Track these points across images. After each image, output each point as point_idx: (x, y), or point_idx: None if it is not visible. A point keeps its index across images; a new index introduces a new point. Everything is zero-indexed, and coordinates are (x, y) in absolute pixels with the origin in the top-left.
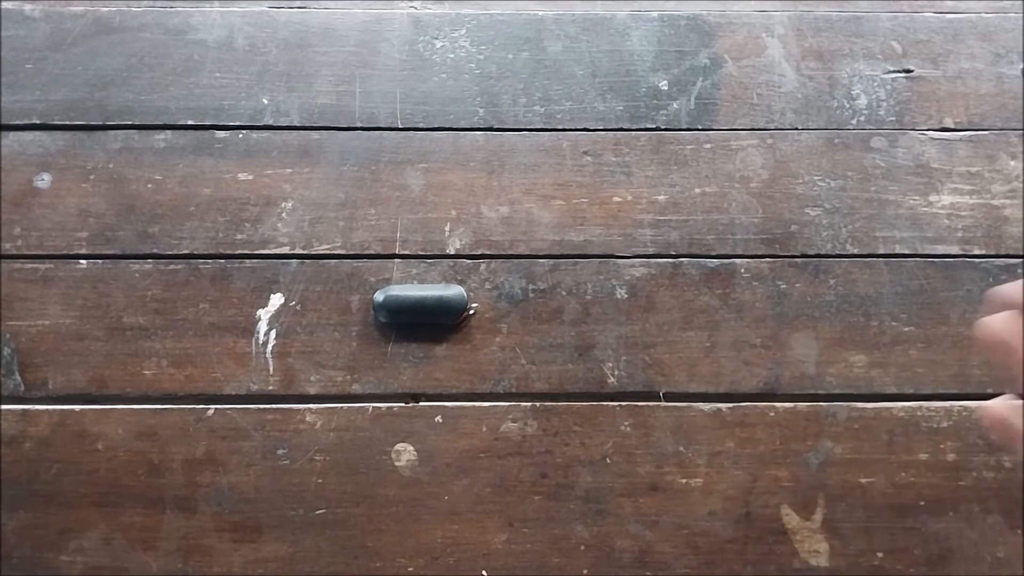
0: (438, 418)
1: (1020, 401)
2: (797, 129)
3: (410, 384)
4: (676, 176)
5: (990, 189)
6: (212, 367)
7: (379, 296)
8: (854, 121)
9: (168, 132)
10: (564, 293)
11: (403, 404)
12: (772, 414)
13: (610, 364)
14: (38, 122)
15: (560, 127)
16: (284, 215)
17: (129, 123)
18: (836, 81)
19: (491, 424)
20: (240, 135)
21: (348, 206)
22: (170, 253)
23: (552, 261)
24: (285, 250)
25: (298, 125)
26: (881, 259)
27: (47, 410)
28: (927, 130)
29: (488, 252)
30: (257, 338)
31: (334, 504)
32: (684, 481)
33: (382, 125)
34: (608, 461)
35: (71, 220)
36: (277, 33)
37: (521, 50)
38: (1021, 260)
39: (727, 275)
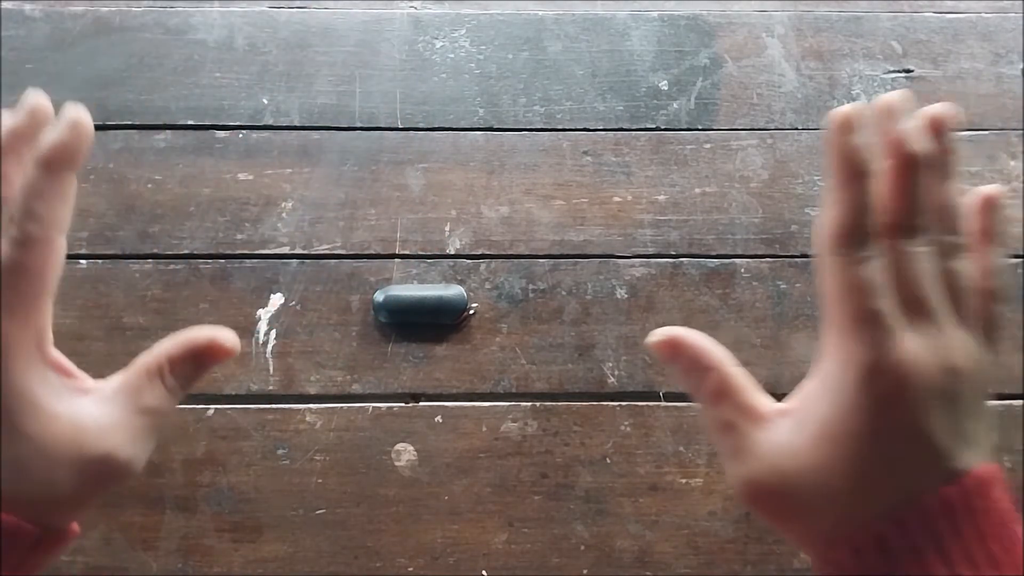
0: (438, 418)
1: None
2: (797, 129)
3: (410, 384)
4: (676, 176)
5: None
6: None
7: (379, 296)
8: None
9: (168, 132)
10: (564, 293)
11: (403, 404)
12: None
13: (610, 364)
14: None
15: (560, 127)
16: (284, 215)
17: (129, 123)
18: (836, 81)
19: (491, 424)
20: (240, 135)
21: (348, 206)
22: (170, 253)
23: (552, 261)
24: (285, 250)
25: (298, 125)
26: None
27: None
28: None
29: (488, 252)
30: (257, 338)
31: (334, 504)
32: (684, 481)
33: (382, 125)
34: (608, 461)
35: (71, 220)
36: (277, 33)
37: (521, 50)
38: (1021, 260)
39: (727, 275)
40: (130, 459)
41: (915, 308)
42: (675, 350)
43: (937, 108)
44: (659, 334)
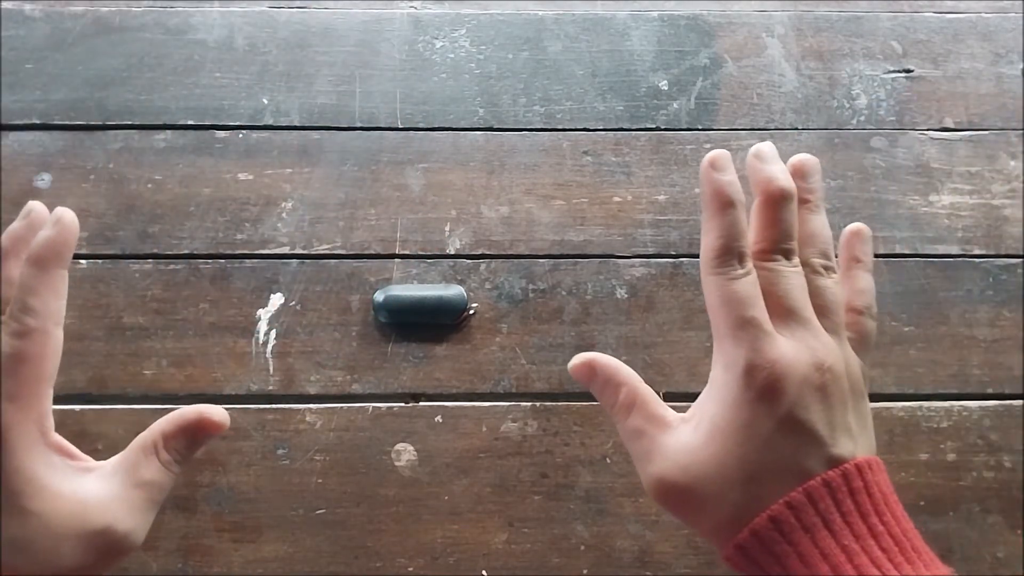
0: (438, 418)
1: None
2: (797, 129)
3: (410, 384)
4: (676, 176)
5: (990, 189)
6: (212, 367)
7: (379, 296)
8: (854, 121)
9: (168, 132)
10: (564, 293)
11: (403, 404)
12: None
13: None
14: (38, 122)
15: (560, 127)
16: (284, 215)
17: (129, 123)
18: (836, 81)
19: (491, 424)
20: (240, 135)
21: (348, 206)
22: (170, 253)
23: (552, 261)
24: (285, 250)
25: (298, 125)
26: (881, 259)
27: None
28: (927, 130)
29: (488, 252)
30: (257, 338)
31: (334, 504)
32: None
33: (382, 125)
34: (608, 461)
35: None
36: (277, 33)
37: (521, 50)
38: (1021, 260)
39: None
40: (129, 531)
41: (786, 316)
42: (591, 371)
43: (802, 156)
44: (577, 359)
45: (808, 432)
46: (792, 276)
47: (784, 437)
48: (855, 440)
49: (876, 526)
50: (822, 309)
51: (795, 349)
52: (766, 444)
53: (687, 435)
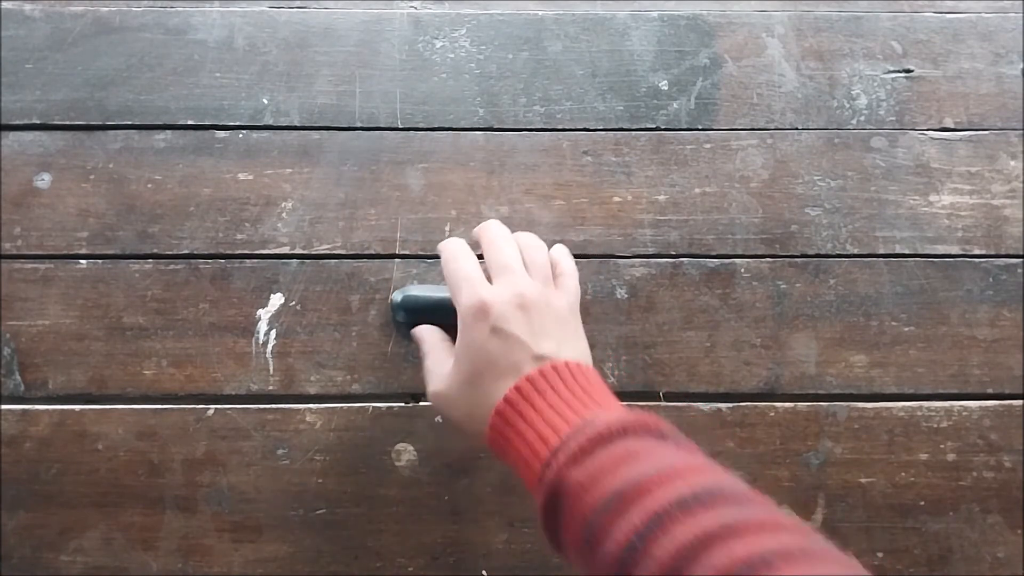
0: (438, 418)
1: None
2: (797, 129)
3: (410, 384)
4: (676, 176)
5: (990, 189)
6: (212, 367)
7: (397, 296)
8: (854, 121)
9: (168, 132)
10: None
11: (403, 404)
12: (772, 414)
13: (610, 364)
14: (38, 122)
15: (560, 127)
16: (284, 215)
17: (129, 123)
18: (836, 81)
19: None
20: (240, 135)
21: (348, 206)
22: (170, 253)
23: None
24: (285, 250)
25: (298, 125)
26: (881, 259)
27: (47, 410)
28: (927, 130)
29: None
30: (257, 338)
31: (334, 504)
32: None
33: (382, 125)
34: None
35: (71, 220)
36: (277, 33)
37: (521, 50)
38: (1021, 260)
39: (727, 275)
40: None
41: (498, 271)
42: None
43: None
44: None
45: (513, 336)
46: (506, 245)
47: (496, 343)
48: (559, 345)
49: (580, 395)
50: (531, 267)
51: (499, 287)
52: (482, 351)
53: (451, 363)
